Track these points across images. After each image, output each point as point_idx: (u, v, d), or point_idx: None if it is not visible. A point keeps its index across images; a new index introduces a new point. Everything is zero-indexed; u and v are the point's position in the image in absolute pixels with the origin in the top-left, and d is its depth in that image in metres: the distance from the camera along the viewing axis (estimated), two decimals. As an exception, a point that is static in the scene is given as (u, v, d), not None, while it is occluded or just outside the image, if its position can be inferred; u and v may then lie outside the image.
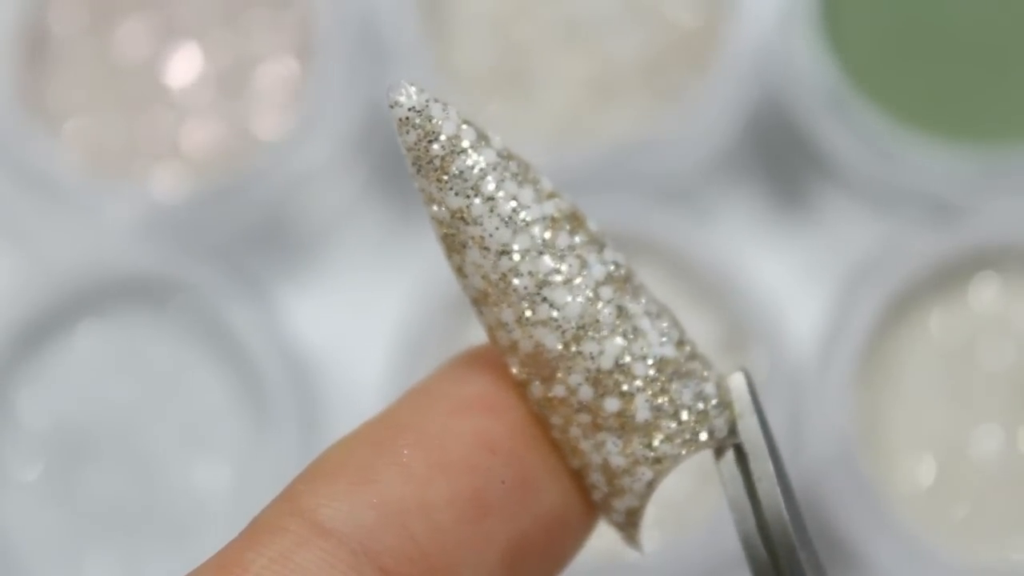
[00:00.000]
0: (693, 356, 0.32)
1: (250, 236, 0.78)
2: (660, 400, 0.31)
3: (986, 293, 0.72)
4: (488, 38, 0.77)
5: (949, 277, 0.71)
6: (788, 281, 0.75)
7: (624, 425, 0.31)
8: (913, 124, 0.72)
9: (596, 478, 0.31)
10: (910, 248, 0.71)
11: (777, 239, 0.77)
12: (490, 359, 0.32)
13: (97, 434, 0.73)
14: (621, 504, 0.31)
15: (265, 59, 0.78)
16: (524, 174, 0.31)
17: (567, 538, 0.31)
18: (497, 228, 0.30)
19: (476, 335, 0.81)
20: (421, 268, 0.74)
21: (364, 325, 0.76)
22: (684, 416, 0.31)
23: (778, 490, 0.31)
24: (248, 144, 0.76)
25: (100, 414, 0.74)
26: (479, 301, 0.31)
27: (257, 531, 0.29)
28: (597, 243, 0.31)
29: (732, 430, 0.32)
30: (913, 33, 0.75)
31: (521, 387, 0.31)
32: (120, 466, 0.73)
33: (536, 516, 0.30)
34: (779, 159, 0.78)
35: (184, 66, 0.78)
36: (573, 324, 0.30)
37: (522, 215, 0.31)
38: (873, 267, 0.72)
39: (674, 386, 0.31)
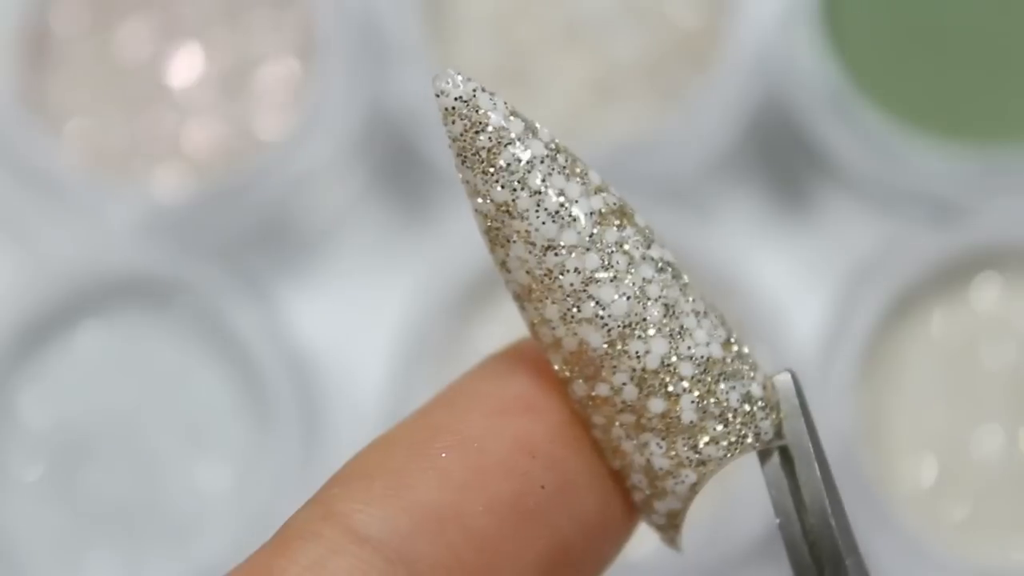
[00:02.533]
0: (740, 356, 0.31)
1: (251, 236, 0.78)
2: (706, 401, 0.30)
3: (987, 293, 0.72)
4: (489, 38, 0.77)
5: (950, 277, 0.71)
6: (789, 281, 0.75)
7: (669, 426, 0.30)
8: (914, 124, 0.72)
9: (638, 479, 0.30)
10: (911, 248, 0.71)
11: (778, 239, 0.77)
12: (530, 356, 0.31)
13: (98, 434, 0.73)
14: (663, 506, 0.31)
15: (266, 59, 0.78)
16: (572, 167, 0.30)
17: (607, 542, 0.31)
18: (543, 223, 0.29)
19: (477, 335, 0.81)
20: (421, 268, 0.74)
21: (365, 325, 0.76)
22: (730, 418, 0.30)
23: (824, 496, 0.30)
24: (249, 144, 0.76)
25: (101, 414, 0.74)
26: (522, 297, 0.30)
27: (289, 537, 0.28)
28: (645, 239, 0.30)
29: (778, 432, 0.31)
30: (914, 33, 0.75)
31: (563, 386, 0.30)
32: (121, 466, 0.73)
33: (576, 521, 0.30)
34: (780, 159, 0.78)
35: (185, 66, 0.78)
36: (619, 323, 0.29)
37: (569, 210, 0.29)
38: (874, 267, 0.72)
39: (720, 387, 0.30)
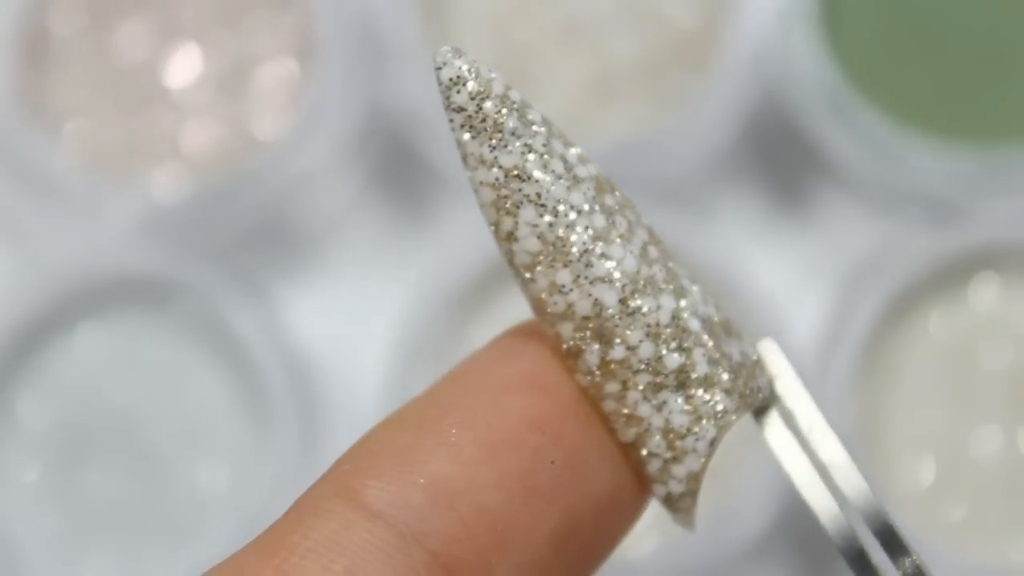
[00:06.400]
0: (729, 318, 0.32)
1: (250, 236, 0.78)
2: (717, 354, 0.31)
3: (986, 293, 0.72)
4: (487, 38, 0.77)
5: (949, 277, 0.71)
6: (788, 281, 0.75)
7: (684, 382, 0.30)
8: (913, 124, 0.72)
9: (656, 444, 0.30)
10: (909, 248, 0.71)
11: (777, 239, 0.77)
12: (535, 336, 0.31)
13: (97, 434, 0.73)
14: (682, 469, 0.30)
15: (264, 60, 0.78)
16: (564, 136, 0.31)
17: (617, 519, 0.31)
18: (553, 184, 0.30)
19: (477, 334, 0.81)
20: (421, 268, 0.74)
21: (364, 325, 0.76)
22: (736, 371, 0.31)
23: (834, 433, 0.31)
24: (247, 145, 0.76)
25: (100, 414, 0.74)
26: (530, 267, 0.30)
27: (302, 513, 0.28)
28: (632, 207, 0.31)
29: (772, 391, 0.32)
30: (913, 33, 0.75)
31: (569, 362, 0.31)
32: (120, 466, 0.73)
33: (586, 496, 0.30)
34: (779, 159, 0.78)
35: (184, 67, 0.78)
36: (630, 280, 0.30)
37: (574, 172, 0.30)
38: (873, 267, 0.72)
39: (723, 343, 0.31)
